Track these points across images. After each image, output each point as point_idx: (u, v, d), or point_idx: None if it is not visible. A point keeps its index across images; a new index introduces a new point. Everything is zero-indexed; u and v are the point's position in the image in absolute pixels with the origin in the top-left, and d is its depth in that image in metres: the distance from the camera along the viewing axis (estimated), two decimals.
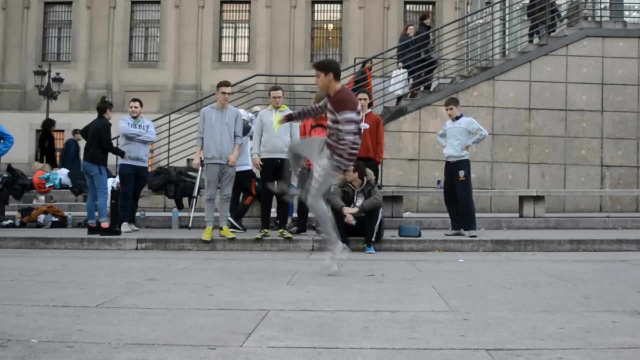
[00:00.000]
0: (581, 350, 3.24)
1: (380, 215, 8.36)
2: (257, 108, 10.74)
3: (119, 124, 9.98)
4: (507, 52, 14.62)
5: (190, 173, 11.66)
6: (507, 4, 15.93)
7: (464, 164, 9.07)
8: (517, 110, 13.42)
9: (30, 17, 29.12)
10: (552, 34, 13.89)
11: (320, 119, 8.46)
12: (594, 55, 13.46)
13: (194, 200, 10.61)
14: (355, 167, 8.26)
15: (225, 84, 8.84)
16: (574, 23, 14.04)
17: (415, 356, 3.16)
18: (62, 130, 27.40)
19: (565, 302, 4.62)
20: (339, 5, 29.18)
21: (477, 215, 9.37)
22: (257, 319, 3.98)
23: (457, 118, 9.19)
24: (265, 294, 4.94)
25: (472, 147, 9.30)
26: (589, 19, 14.29)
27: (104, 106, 9.83)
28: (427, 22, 14.76)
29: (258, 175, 9.62)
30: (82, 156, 14.23)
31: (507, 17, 16.02)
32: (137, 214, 10.32)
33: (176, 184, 11.57)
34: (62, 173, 13.47)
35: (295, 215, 9.80)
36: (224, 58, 29.16)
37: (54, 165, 15.27)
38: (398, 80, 14.07)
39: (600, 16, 14.44)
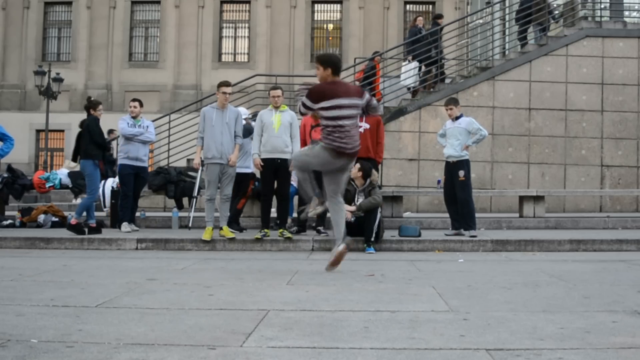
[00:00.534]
0: (581, 350, 3.24)
1: (379, 215, 8.37)
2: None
3: (119, 124, 9.98)
4: (507, 52, 14.62)
5: (190, 173, 11.66)
6: (507, 4, 15.93)
7: (464, 164, 9.07)
8: (517, 110, 13.42)
9: (30, 17, 29.13)
10: (549, 35, 13.89)
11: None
12: (594, 55, 13.46)
13: (194, 200, 10.62)
14: (360, 166, 8.30)
15: (226, 83, 8.85)
16: (569, 25, 14.03)
17: (415, 356, 3.16)
18: (62, 130, 27.47)
19: (565, 302, 4.61)
20: (339, 5, 29.19)
21: (477, 215, 9.37)
22: (257, 319, 3.97)
23: (457, 118, 9.19)
24: (265, 294, 4.94)
25: (472, 147, 9.30)
26: (589, 19, 14.29)
27: (90, 105, 9.86)
28: (441, 22, 14.81)
29: (258, 175, 9.61)
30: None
31: (507, 17, 16.02)
32: (137, 214, 10.32)
33: (176, 184, 11.57)
34: (62, 173, 13.48)
35: (295, 215, 9.79)
36: (224, 58, 29.17)
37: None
38: (409, 75, 14.09)
39: (600, 16, 14.44)
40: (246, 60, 28.88)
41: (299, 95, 6.39)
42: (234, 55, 29.32)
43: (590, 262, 7.21)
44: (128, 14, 29.20)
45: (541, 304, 4.55)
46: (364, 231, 8.29)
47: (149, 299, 4.75)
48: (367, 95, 6.31)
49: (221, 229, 8.73)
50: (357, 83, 14.13)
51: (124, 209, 9.86)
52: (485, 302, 4.65)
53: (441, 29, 14.39)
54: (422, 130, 13.28)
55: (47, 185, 12.94)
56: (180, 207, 11.30)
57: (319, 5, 29.34)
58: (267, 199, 9.01)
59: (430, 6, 28.97)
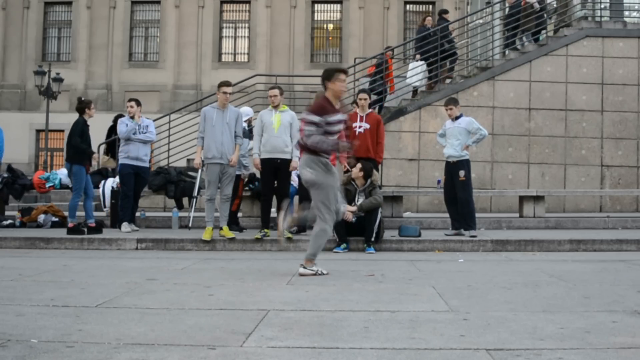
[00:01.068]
0: (581, 350, 3.24)
1: (379, 216, 8.37)
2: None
3: (118, 128, 10.00)
4: (507, 52, 14.62)
5: (190, 173, 11.66)
6: (507, 4, 15.92)
7: (464, 164, 9.07)
8: (517, 110, 13.42)
9: (30, 17, 29.11)
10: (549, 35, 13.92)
11: None
12: (594, 55, 13.46)
13: (194, 200, 10.62)
14: (362, 166, 8.31)
15: (226, 83, 8.85)
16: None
17: (415, 356, 3.16)
18: (62, 130, 27.43)
19: (565, 302, 4.61)
20: (339, 5, 29.17)
21: (477, 215, 9.37)
22: (257, 319, 3.97)
23: (457, 118, 9.19)
24: (265, 294, 4.94)
25: (472, 147, 9.29)
26: (589, 19, 14.29)
27: (82, 106, 9.83)
28: (447, 16, 14.85)
29: (258, 175, 9.61)
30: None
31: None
32: (137, 214, 10.32)
33: (176, 184, 11.56)
34: (62, 173, 13.47)
35: (295, 215, 9.77)
36: (224, 58, 29.14)
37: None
38: (416, 72, 14.12)
39: (601, 16, 14.44)
40: (246, 60, 28.86)
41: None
42: (234, 55, 29.30)
43: (590, 262, 7.21)
44: (128, 14, 29.18)
45: (541, 304, 4.55)
46: (364, 231, 8.30)
47: (149, 299, 4.75)
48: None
49: (221, 229, 8.73)
50: (369, 77, 14.32)
51: (124, 209, 9.86)
52: (485, 302, 4.65)
53: (451, 23, 14.52)
54: (422, 130, 13.28)
55: (47, 185, 12.92)
56: (180, 207, 11.30)
57: (319, 5, 29.32)
58: (267, 199, 9.02)
59: (431, 6, 28.95)
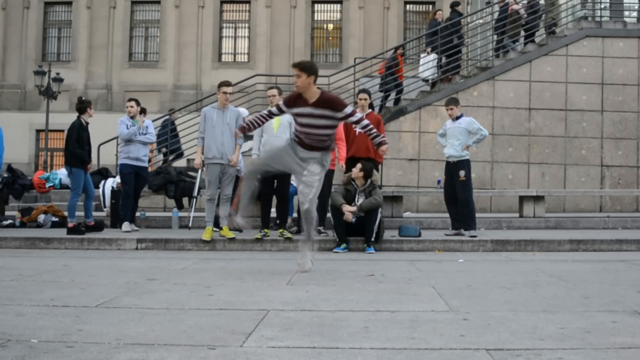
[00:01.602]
0: (581, 350, 3.24)
1: (379, 216, 8.37)
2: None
3: (118, 128, 9.98)
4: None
5: (190, 173, 11.67)
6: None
7: (464, 164, 9.07)
8: (517, 110, 13.42)
9: (30, 17, 29.11)
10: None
11: None
12: (594, 55, 13.46)
13: (194, 200, 10.62)
14: (362, 167, 8.31)
15: (227, 83, 8.85)
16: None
17: (415, 356, 3.16)
18: (62, 130, 27.44)
19: (565, 302, 4.61)
20: (339, 5, 29.17)
21: (477, 215, 9.37)
22: (257, 319, 3.97)
23: (458, 118, 9.19)
24: (265, 294, 4.94)
25: (472, 147, 9.30)
26: (589, 19, 14.29)
27: (82, 106, 9.77)
28: (459, 8, 14.90)
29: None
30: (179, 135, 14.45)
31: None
32: (137, 214, 10.32)
33: (176, 184, 11.57)
34: (62, 173, 13.48)
35: (295, 215, 9.80)
36: (224, 58, 29.14)
37: None
38: (427, 67, 14.15)
39: (601, 16, 14.44)
40: (246, 60, 28.86)
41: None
42: (234, 55, 29.30)
43: (590, 262, 7.21)
44: (128, 14, 29.18)
45: (541, 304, 4.55)
46: (364, 231, 8.30)
47: (149, 299, 4.75)
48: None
49: (221, 229, 8.73)
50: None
51: (124, 208, 9.87)
52: (485, 302, 4.65)
53: (464, 17, 14.63)
54: (422, 130, 13.29)
55: (47, 185, 12.93)
56: (180, 207, 11.30)
57: (319, 5, 29.31)
58: (267, 199, 9.02)
59: (430, 6, 28.95)
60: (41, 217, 10.89)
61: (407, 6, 29.16)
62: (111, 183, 11.22)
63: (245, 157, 10.37)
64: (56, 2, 29.55)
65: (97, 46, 28.75)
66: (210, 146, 8.63)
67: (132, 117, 9.98)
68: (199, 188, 10.48)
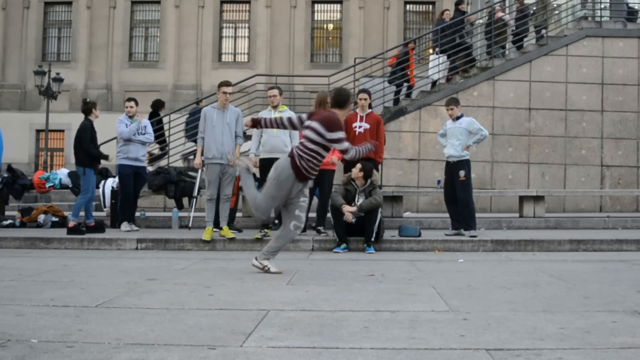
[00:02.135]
0: (581, 350, 3.24)
1: (379, 216, 8.37)
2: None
3: (117, 127, 9.98)
4: (507, 52, 14.63)
5: (190, 173, 11.67)
6: (507, 4, 15.92)
7: (465, 164, 9.07)
8: (517, 110, 13.42)
9: (30, 17, 29.12)
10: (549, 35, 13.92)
11: None
12: (594, 55, 13.46)
13: (194, 200, 10.62)
14: (362, 167, 8.30)
15: (227, 83, 8.85)
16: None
17: (415, 356, 3.16)
18: (62, 130, 27.46)
19: (565, 302, 4.61)
20: (339, 5, 29.17)
21: (477, 215, 9.36)
22: (257, 319, 3.97)
23: (458, 118, 9.19)
24: (265, 294, 4.94)
25: (472, 147, 9.29)
26: (589, 19, 14.29)
27: (88, 107, 9.78)
28: (462, 7, 14.91)
29: (258, 175, 9.59)
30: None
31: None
32: (137, 214, 10.33)
33: (176, 184, 11.57)
34: (62, 173, 13.47)
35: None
36: (224, 58, 29.15)
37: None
38: (439, 68, 14.16)
39: (601, 16, 14.44)
40: (246, 60, 28.87)
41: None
42: (234, 55, 29.31)
43: (590, 262, 7.21)
44: (128, 14, 29.19)
45: (541, 304, 4.55)
46: (364, 231, 8.30)
47: (149, 299, 4.75)
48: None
49: (221, 229, 8.73)
50: (389, 68, 14.43)
51: (124, 209, 9.87)
52: (485, 302, 4.65)
53: (467, 16, 14.70)
54: (422, 130, 13.29)
55: (47, 185, 12.91)
56: (180, 207, 11.30)
57: (319, 5, 29.32)
58: None
59: (431, 6, 28.96)
60: (41, 217, 10.89)
61: (407, 6, 29.18)
62: (111, 183, 11.22)
63: (244, 158, 10.33)
64: (56, 2, 29.56)
65: (97, 46, 28.77)
66: (210, 146, 8.62)
67: (131, 117, 9.98)
68: (199, 188, 10.48)
